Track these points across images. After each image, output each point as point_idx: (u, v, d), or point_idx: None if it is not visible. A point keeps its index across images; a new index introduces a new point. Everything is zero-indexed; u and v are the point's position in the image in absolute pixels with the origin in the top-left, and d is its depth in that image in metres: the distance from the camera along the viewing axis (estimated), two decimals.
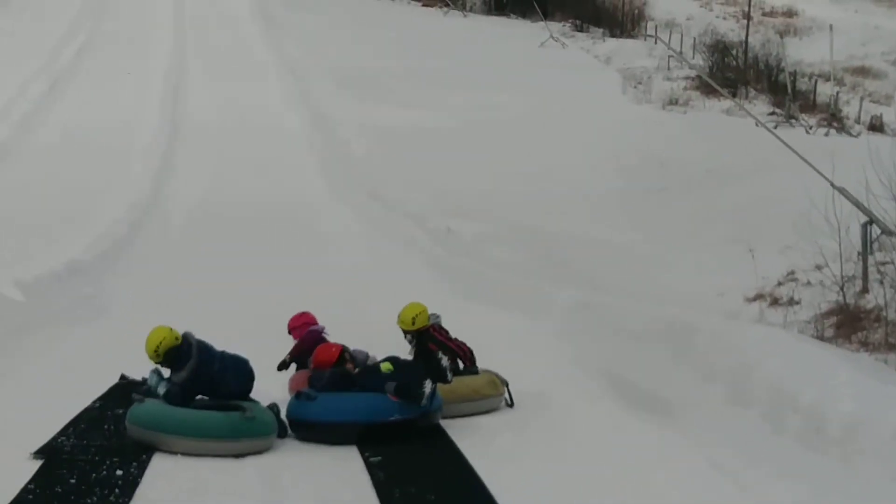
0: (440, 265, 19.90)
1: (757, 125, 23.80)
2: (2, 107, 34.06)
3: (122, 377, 13.00)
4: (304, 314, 13.16)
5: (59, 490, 8.88)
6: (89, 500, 8.64)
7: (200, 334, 11.90)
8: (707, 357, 11.92)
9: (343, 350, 11.27)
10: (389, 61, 44.11)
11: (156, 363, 10.67)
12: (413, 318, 11.79)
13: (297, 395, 10.97)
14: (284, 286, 18.58)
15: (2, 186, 26.30)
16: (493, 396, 11.80)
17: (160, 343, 10.56)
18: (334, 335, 12.09)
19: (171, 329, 10.67)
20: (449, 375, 11.27)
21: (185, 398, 10.40)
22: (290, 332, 13.12)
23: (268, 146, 31.83)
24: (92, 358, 14.02)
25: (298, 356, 12.72)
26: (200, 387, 10.56)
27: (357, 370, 11.16)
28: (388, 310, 12.46)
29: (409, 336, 11.87)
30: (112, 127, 32.84)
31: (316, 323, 13.02)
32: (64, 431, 10.65)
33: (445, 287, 18.18)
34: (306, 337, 12.76)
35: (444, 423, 10.99)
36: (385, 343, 11.85)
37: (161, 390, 10.57)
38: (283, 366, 12.91)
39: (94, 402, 11.92)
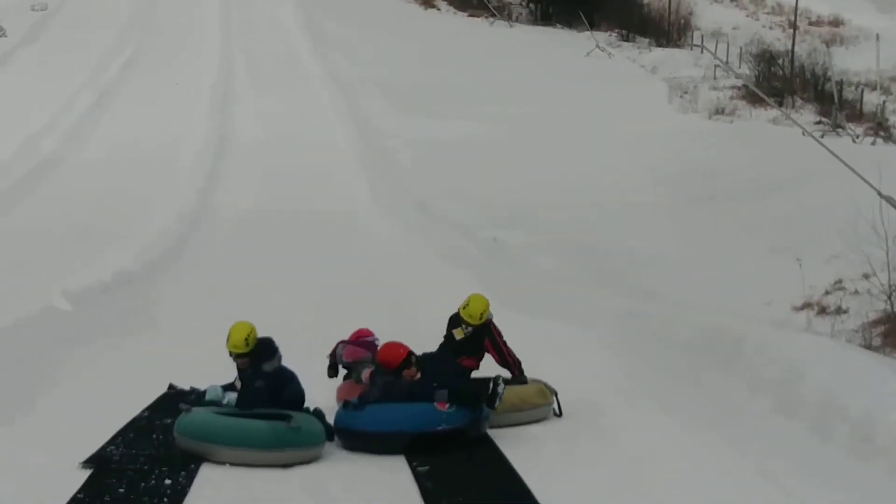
0: (487, 275, 19.86)
1: (803, 134, 23.64)
2: (50, 119, 34.38)
3: (171, 387, 13.07)
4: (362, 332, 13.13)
5: (108, 499, 8.93)
6: None
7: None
8: (755, 366, 11.84)
9: (410, 353, 11.13)
10: (435, 72, 44.18)
11: (240, 354, 10.74)
12: (481, 314, 11.95)
13: (345, 405, 10.97)
14: (332, 297, 18.67)
15: (50, 198, 26.52)
16: (542, 406, 11.76)
17: (250, 333, 10.74)
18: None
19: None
20: (497, 398, 10.99)
21: (273, 393, 10.60)
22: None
23: (314, 157, 31.93)
24: (140, 368, 14.11)
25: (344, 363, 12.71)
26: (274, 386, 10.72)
27: (418, 376, 11.05)
28: (435, 318, 12.48)
29: (468, 328, 11.96)
30: (159, 138, 33.07)
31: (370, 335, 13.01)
32: (113, 441, 10.72)
33: (492, 297, 18.07)
34: (361, 348, 12.74)
35: (492, 432, 10.97)
36: (431, 349, 11.82)
37: (228, 398, 10.78)
38: (332, 370, 12.90)
39: (143, 411, 11.99)
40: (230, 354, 10.82)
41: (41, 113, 34.80)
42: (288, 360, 12.42)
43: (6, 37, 45.90)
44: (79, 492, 9.07)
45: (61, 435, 10.74)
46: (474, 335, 11.96)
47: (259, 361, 10.74)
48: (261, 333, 12.57)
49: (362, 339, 12.86)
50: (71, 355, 14.07)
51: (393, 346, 11.22)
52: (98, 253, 20.63)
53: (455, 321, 12.15)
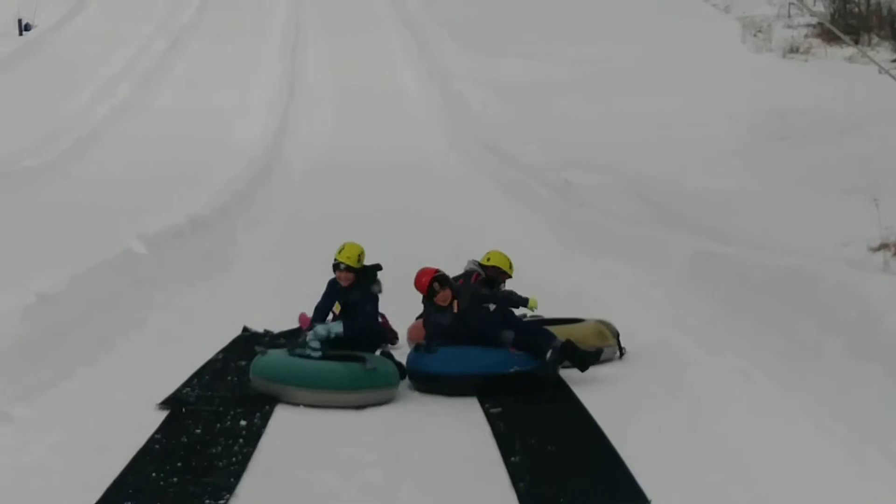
0: (558, 217, 19.83)
1: (880, 72, 23.28)
2: (125, 65, 34.64)
3: (245, 329, 13.22)
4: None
5: (185, 440, 9.06)
6: (214, 450, 8.80)
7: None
8: (830, 308, 11.71)
9: (433, 280, 10.97)
10: (501, 13, 43.90)
11: (350, 267, 10.94)
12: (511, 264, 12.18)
13: (417, 348, 11.02)
14: (402, 239, 18.74)
15: (123, 144, 26.78)
16: (601, 347, 11.70)
17: (363, 252, 11.02)
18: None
19: None
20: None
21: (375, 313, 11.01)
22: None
23: (385, 100, 31.95)
24: (215, 311, 14.28)
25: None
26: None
27: (449, 300, 10.96)
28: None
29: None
30: (232, 83, 33.23)
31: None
32: (189, 383, 10.86)
33: (564, 238, 18.14)
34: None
35: (563, 374, 10.99)
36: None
37: (332, 329, 10.76)
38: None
39: (218, 353, 12.14)
40: (336, 268, 10.96)
41: (116, 58, 35.06)
42: None
43: None
44: (156, 432, 9.21)
45: (139, 376, 10.91)
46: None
47: (367, 283, 10.97)
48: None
49: None
50: (146, 298, 14.25)
51: (420, 275, 11.12)
52: (172, 197, 20.81)
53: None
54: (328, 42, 39.23)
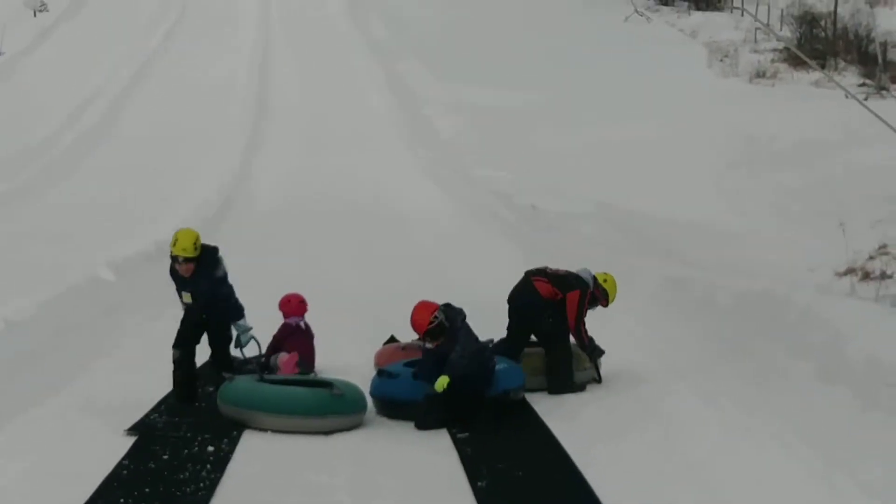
0: (526, 241, 19.87)
1: (847, 97, 23.45)
2: (92, 92, 34.58)
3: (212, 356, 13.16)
4: (289, 296, 12.97)
5: (153, 466, 9.02)
6: (182, 476, 8.77)
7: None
8: (798, 332, 11.78)
9: (435, 314, 10.54)
10: (471, 40, 44.05)
11: (188, 258, 10.58)
12: None
13: (380, 373, 10.99)
14: (371, 260, 18.76)
15: (91, 172, 26.70)
16: (577, 371, 11.76)
17: (197, 238, 10.65)
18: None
19: None
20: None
21: (215, 298, 10.77)
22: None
23: (354, 124, 31.98)
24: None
25: (275, 346, 12.58)
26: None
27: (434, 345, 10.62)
28: (475, 283, 12.48)
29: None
30: (199, 109, 33.20)
31: (300, 311, 12.82)
32: (156, 409, 10.82)
33: (532, 263, 18.15)
34: (280, 332, 12.65)
35: (530, 398, 11.00)
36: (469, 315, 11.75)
37: (187, 300, 10.82)
38: (264, 369, 12.32)
39: None
40: (175, 261, 10.62)
41: (84, 85, 35.00)
42: (331, 318, 12.56)
43: (48, 11, 46.12)
44: (124, 458, 9.18)
45: (107, 402, 10.86)
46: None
47: (206, 269, 10.66)
48: (307, 292, 12.73)
49: (285, 323, 12.80)
50: (114, 324, 14.21)
51: (422, 308, 10.65)
52: (140, 222, 20.75)
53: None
54: (297, 68, 39.25)
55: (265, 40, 43.81)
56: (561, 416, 10.53)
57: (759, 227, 21.13)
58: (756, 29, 44.35)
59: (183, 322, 10.88)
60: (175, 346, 10.81)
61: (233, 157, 28.47)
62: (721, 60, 41.61)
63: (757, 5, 49.34)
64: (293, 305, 12.79)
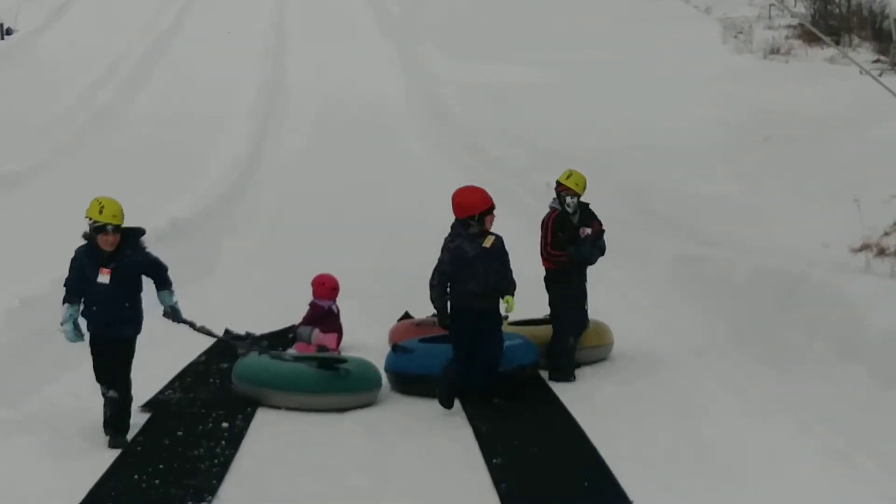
0: (540, 218, 19.80)
1: (861, 73, 23.29)
2: (106, 70, 34.56)
3: (227, 332, 13.18)
4: (324, 277, 13.15)
5: (167, 442, 9.04)
6: (196, 452, 8.79)
7: (305, 287, 12.12)
8: (813, 309, 11.74)
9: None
10: (484, 17, 43.90)
11: (116, 227, 9.38)
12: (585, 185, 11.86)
13: (395, 349, 10.99)
14: (383, 241, 18.73)
15: (105, 149, 26.70)
16: (600, 346, 11.79)
17: (121, 210, 9.47)
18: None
19: None
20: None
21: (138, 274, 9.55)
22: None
23: (368, 105, 31.93)
24: (197, 313, 14.18)
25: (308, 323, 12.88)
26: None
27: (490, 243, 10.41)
28: None
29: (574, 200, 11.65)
30: (212, 88, 33.18)
31: (332, 296, 13.03)
32: (171, 385, 10.86)
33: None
34: (315, 312, 12.89)
35: (546, 377, 10.99)
36: None
37: (103, 280, 9.36)
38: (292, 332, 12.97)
39: (200, 356, 12.13)
40: (101, 230, 9.34)
41: (97, 64, 34.97)
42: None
43: None
44: (139, 434, 9.21)
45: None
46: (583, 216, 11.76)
47: (127, 244, 9.52)
48: (317, 272, 12.78)
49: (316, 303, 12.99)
50: None
51: (477, 190, 10.55)
52: (155, 202, 20.75)
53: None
54: (310, 48, 39.17)
55: (279, 19, 43.74)
56: (576, 393, 10.52)
57: (773, 203, 21.01)
58: (770, 5, 44.10)
59: (93, 346, 9.41)
60: (99, 378, 9.36)
61: (244, 139, 28.42)
62: (735, 37, 41.39)
63: None
64: (326, 290, 12.94)
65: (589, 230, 11.56)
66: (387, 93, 33.49)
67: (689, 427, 9.33)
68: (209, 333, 10.70)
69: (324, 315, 12.82)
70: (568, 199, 11.62)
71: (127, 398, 9.29)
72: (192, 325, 10.18)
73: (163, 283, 9.74)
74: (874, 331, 10.27)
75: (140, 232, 9.67)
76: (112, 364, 9.26)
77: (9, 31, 38.73)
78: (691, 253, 15.75)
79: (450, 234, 10.37)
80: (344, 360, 10.51)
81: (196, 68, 35.46)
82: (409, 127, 30.00)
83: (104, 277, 9.32)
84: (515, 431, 9.41)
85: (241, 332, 13.12)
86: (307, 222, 20.69)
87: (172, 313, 9.86)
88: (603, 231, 11.71)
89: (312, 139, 28.73)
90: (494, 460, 8.68)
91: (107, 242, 9.34)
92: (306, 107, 31.91)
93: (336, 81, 34.30)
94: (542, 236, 11.66)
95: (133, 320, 9.45)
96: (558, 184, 11.78)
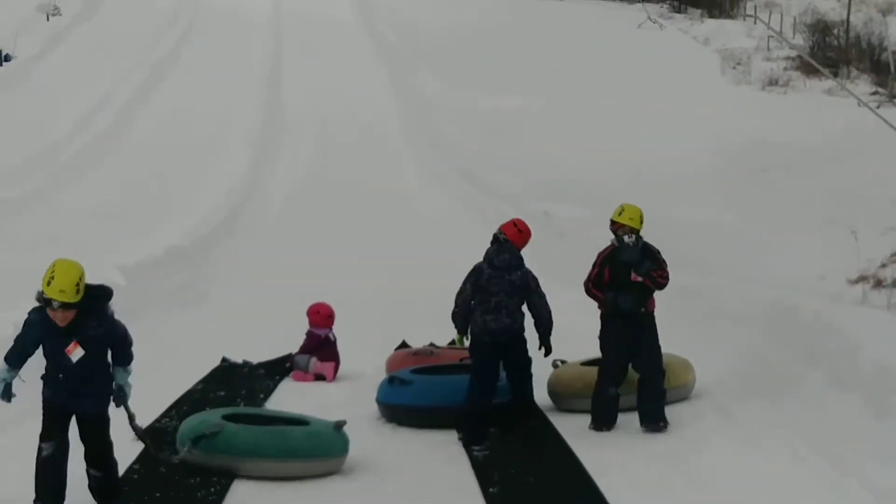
0: (537, 247, 19.78)
1: (859, 105, 23.42)
2: (103, 96, 34.60)
3: (224, 360, 13.18)
4: (319, 306, 13.20)
5: (163, 470, 9.01)
6: (192, 481, 8.76)
7: (301, 315, 12.10)
8: (809, 340, 11.75)
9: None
10: (483, 45, 44.03)
11: (59, 302, 7.68)
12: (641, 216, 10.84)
13: (391, 381, 10.95)
14: (380, 268, 18.74)
15: (103, 176, 26.71)
16: (671, 389, 10.97)
17: (82, 276, 7.83)
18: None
19: None
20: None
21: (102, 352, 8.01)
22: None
23: (364, 131, 31.98)
24: (193, 341, 14.22)
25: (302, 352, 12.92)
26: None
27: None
28: None
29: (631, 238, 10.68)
30: (211, 114, 33.23)
31: (328, 324, 13.06)
32: (167, 413, 10.81)
33: (544, 269, 18.07)
34: (313, 341, 12.92)
35: (543, 405, 10.97)
36: None
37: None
38: (289, 362, 12.97)
39: (197, 384, 12.10)
40: (49, 305, 7.75)
41: (96, 90, 35.00)
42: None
43: (61, 15, 46.14)
44: (135, 462, 9.16)
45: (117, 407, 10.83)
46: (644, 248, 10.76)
47: (91, 313, 7.89)
48: (314, 300, 12.76)
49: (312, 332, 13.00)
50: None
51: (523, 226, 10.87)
52: (151, 228, 20.76)
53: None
54: (307, 74, 39.24)
55: (276, 46, 43.85)
56: (572, 423, 10.50)
57: (770, 234, 21.06)
58: (769, 37, 44.30)
59: (45, 407, 8.19)
60: (46, 437, 8.15)
61: (241, 166, 28.44)
62: (734, 68, 41.57)
63: (770, 13, 49.36)
64: (322, 318, 12.95)
65: (641, 278, 10.54)
66: (383, 119, 33.54)
67: (684, 456, 9.33)
68: (141, 437, 8.79)
69: (321, 343, 12.82)
70: (626, 238, 10.62)
71: (112, 475, 8.30)
72: (131, 417, 8.45)
73: (123, 359, 8.15)
74: (869, 362, 10.27)
75: (105, 295, 8.01)
76: (88, 442, 8.15)
77: (7, 58, 38.77)
78: (688, 283, 15.73)
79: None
80: (305, 423, 9.53)
81: (194, 95, 35.49)
82: (405, 153, 30.05)
83: (76, 354, 7.87)
84: (512, 460, 9.39)
85: (238, 360, 13.14)
86: (303, 248, 20.69)
87: (119, 394, 8.20)
88: (657, 279, 10.68)
89: (309, 165, 28.77)
90: (491, 489, 8.66)
91: (56, 318, 7.77)
92: (303, 133, 31.96)
93: (333, 108, 34.35)
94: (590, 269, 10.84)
95: (103, 392, 8.14)
96: (612, 222, 10.83)
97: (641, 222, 10.77)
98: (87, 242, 19.34)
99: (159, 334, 14.31)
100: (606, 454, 9.47)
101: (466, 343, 10.52)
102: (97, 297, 7.91)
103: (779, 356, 12.04)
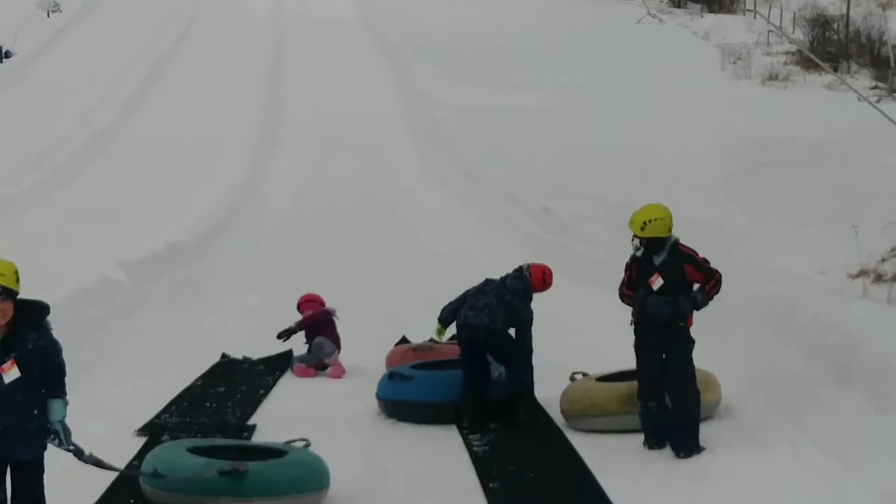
0: (538, 244, 19.83)
1: (859, 100, 23.36)
2: (104, 94, 34.62)
3: (224, 356, 13.20)
4: (313, 295, 13.41)
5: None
6: None
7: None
8: (809, 335, 11.75)
9: None
10: (484, 42, 44.02)
11: (5, 290, 6.88)
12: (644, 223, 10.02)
13: (391, 376, 10.97)
14: (382, 266, 18.74)
15: (103, 173, 26.70)
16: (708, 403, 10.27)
17: (18, 270, 7.06)
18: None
19: None
20: None
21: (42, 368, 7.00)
22: (299, 310, 13.32)
23: (365, 128, 31.97)
24: (194, 337, 14.23)
25: (306, 328, 13.03)
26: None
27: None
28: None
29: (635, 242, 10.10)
30: (211, 111, 33.22)
31: (325, 304, 13.28)
32: (167, 409, 10.83)
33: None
34: (318, 314, 12.92)
35: (542, 400, 10.97)
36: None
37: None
38: (285, 334, 13.07)
39: (197, 380, 12.11)
40: None
41: (95, 87, 35.00)
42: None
43: (61, 12, 46.16)
44: (134, 458, 9.18)
45: (119, 403, 10.86)
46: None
47: (30, 323, 7.05)
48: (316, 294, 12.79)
49: (324, 309, 13.09)
50: (125, 325, 14.22)
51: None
52: (152, 225, 20.75)
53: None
54: (308, 71, 39.23)
55: (276, 43, 43.84)
56: None
57: (770, 229, 21.02)
58: (769, 31, 44.26)
59: None
60: None
61: (242, 162, 28.43)
62: (734, 63, 41.51)
63: (770, 8, 49.27)
64: (318, 306, 13.19)
65: (662, 281, 9.81)
66: (384, 116, 33.53)
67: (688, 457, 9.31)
68: (100, 465, 7.69)
69: (326, 320, 12.89)
70: (636, 242, 10.09)
71: None
72: (79, 452, 7.36)
73: (61, 388, 7.12)
74: (871, 356, 10.27)
75: (45, 308, 7.16)
76: (20, 496, 6.95)
77: (7, 54, 38.77)
78: None
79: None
80: (283, 453, 8.49)
81: (194, 92, 35.50)
82: (407, 150, 30.02)
83: (11, 375, 6.76)
84: (512, 456, 9.39)
85: (238, 356, 13.16)
86: (304, 246, 20.70)
87: (63, 433, 7.15)
88: (707, 298, 9.92)
89: (310, 162, 28.74)
90: (491, 484, 8.67)
91: None
92: (304, 131, 31.94)
93: (334, 105, 34.33)
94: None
95: (41, 433, 7.01)
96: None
97: (645, 225, 10.01)
98: (88, 239, 19.38)
99: (160, 330, 14.35)
100: (606, 449, 9.47)
101: (444, 337, 11.20)
102: (38, 307, 7.06)
103: (779, 351, 12.04)
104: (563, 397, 10.47)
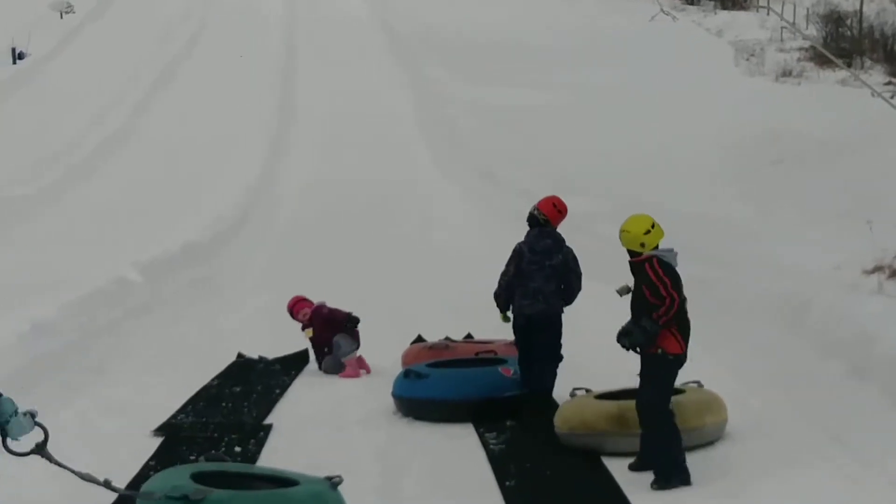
0: None
1: (873, 95, 23.35)
2: (117, 94, 34.66)
3: (240, 356, 13.21)
4: (299, 297, 13.22)
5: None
6: None
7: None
8: (824, 330, 11.73)
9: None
10: (496, 39, 44.01)
11: None
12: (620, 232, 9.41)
13: (406, 374, 10.96)
14: (396, 264, 18.75)
15: (117, 174, 26.77)
16: (692, 430, 9.23)
17: None
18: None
19: None
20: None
21: None
22: (291, 314, 13.17)
23: (378, 127, 31.98)
24: (209, 337, 14.25)
25: (321, 343, 12.87)
26: None
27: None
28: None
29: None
30: (224, 112, 33.27)
31: (312, 304, 13.06)
32: (183, 409, 10.85)
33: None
34: (318, 322, 12.86)
35: (559, 397, 10.96)
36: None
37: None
38: (319, 354, 12.92)
39: (212, 380, 12.13)
40: None
41: (109, 88, 35.07)
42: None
43: (74, 13, 46.25)
44: (151, 458, 9.19)
45: (134, 403, 10.88)
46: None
47: None
48: (324, 298, 12.79)
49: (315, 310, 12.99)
50: (141, 325, 14.26)
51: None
52: (167, 225, 20.80)
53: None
54: (321, 70, 39.25)
55: (289, 43, 43.87)
56: None
57: (784, 225, 21.00)
58: (782, 28, 44.16)
59: None
60: None
61: (256, 162, 28.46)
62: (747, 59, 41.44)
63: (783, 4, 49.17)
64: (306, 303, 13.01)
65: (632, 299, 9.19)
66: (397, 115, 33.52)
67: (701, 448, 9.29)
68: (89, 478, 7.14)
69: (325, 320, 12.83)
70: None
71: None
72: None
73: None
74: (885, 352, 10.25)
75: None
76: None
77: (21, 56, 38.88)
78: (701, 275, 15.70)
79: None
80: (293, 482, 7.38)
81: (208, 91, 35.54)
82: (420, 149, 30.01)
83: None
84: (528, 454, 9.38)
85: (254, 355, 13.17)
86: (318, 245, 20.72)
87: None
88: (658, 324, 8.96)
89: (323, 162, 28.76)
90: (507, 483, 8.66)
91: None
92: (317, 130, 31.97)
93: (347, 104, 34.34)
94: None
95: None
96: None
97: (626, 240, 9.43)
98: (103, 239, 19.45)
99: (175, 330, 14.37)
100: None
101: (510, 320, 10.78)
102: None
103: (795, 347, 12.03)
104: (557, 416, 9.82)
